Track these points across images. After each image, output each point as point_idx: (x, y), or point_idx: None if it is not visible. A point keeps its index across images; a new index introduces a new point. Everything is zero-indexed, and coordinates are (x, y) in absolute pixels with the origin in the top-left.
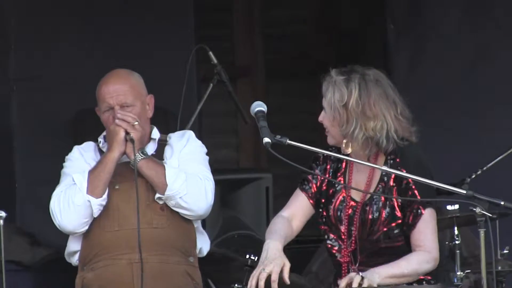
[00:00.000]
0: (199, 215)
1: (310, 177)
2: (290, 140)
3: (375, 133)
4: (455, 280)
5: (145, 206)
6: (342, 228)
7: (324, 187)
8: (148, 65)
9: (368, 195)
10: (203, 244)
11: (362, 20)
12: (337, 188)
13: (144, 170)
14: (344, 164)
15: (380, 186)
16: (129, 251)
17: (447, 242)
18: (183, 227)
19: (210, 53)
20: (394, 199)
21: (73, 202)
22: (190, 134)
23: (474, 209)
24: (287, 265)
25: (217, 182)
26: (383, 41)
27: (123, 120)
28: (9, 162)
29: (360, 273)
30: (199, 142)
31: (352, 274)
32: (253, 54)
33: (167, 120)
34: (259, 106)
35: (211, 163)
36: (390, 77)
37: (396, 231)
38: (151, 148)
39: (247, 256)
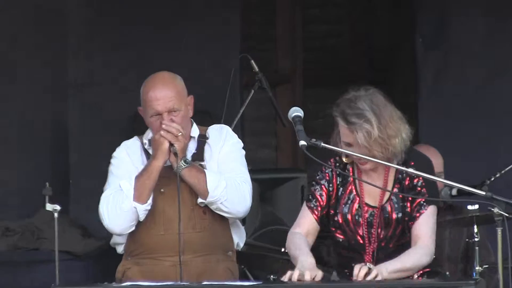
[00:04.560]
0: (239, 217)
1: (316, 192)
2: (324, 143)
3: (395, 148)
4: (474, 275)
5: (189, 211)
6: (360, 232)
7: (333, 200)
8: (197, 71)
9: (385, 199)
10: (240, 238)
11: (392, 36)
12: (350, 197)
13: (187, 178)
14: (351, 174)
15: (395, 188)
16: (173, 254)
17: (467, 240)
18: (222, 226)
19: (252, 62)
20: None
21: (120, 208)
22: (227, 131)
23: (493, 209)
24: (319, 274)
25: (257, 181)
26: (412, 54)
27: (168, 131)
28: (64, 159)
29: (368, 264)
30: (235, 137)
31: (362, 265)
32: (293, 64)
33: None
34: (296, 112)
35: (252, 162)
36: (417, 87)
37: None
38: (191, 147)
39: (283, 250)
